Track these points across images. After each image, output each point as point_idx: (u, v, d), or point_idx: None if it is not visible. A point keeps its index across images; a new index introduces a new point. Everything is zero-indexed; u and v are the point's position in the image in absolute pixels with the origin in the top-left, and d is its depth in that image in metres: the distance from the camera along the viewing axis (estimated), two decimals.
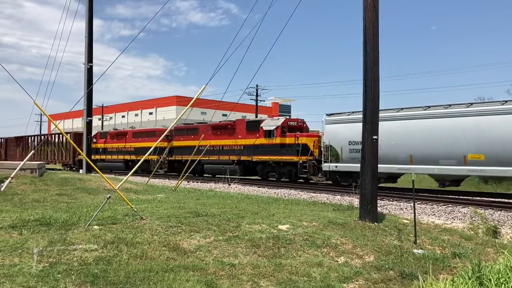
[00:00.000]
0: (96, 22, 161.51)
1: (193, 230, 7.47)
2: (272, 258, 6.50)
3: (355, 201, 12.93)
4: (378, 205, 10.50)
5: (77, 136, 34.27)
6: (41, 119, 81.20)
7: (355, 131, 17.38)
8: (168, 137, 30.07)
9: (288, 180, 23.88)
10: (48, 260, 5.64)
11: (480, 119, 16.65)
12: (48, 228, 7.29)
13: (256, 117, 48.24)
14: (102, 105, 69.67)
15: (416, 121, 18.50)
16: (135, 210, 8.44)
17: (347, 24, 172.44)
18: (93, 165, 9.41)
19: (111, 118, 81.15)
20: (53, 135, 39.47)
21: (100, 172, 9.07)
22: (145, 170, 30.22)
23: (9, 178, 8.37)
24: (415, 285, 5.75)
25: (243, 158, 25.45)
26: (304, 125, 24.84)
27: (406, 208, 14.06)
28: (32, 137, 41.22)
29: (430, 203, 15.22)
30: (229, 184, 22.47)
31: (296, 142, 22.94)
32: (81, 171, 24.10)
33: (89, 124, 23.31)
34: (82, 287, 4.94)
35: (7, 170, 15.88)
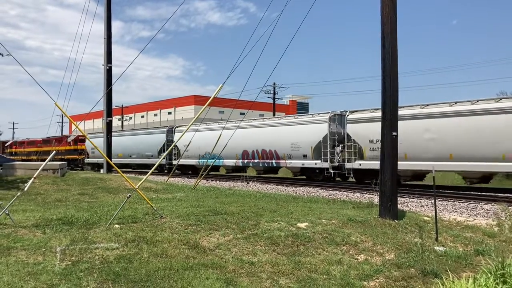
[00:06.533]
0: (116, 24, 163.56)
1: (212, 228, 7.51)
2: (291, 256, 6.48)
3: (375, 198, 12.81)
4: (399, 202, 10.39)
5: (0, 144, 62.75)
6: (62, 120, 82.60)
7: (119, 141, 35.14)
8: (47, 144, 48.18)
9: (79, 167, 41.74)
10: (71, 258, 5.74)
11: (144, 137, 36.43)
12: (70, 227, 7.42)
13: (274, 115, 48.28)
14: (122, 105, 70.29)
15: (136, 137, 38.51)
16: (155, 208, 8.52)
17: (364, 19, 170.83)
18: (113, 165, 9.54)
19: (130, 118, 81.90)
20: None
21: (120, 172, 9.19)
22: None
23: (32, 178, 8.53)
24: (436, 283, 5.67)
25: (67, 157, 43.77)
26: None
27: (427, 205, 13.88)
28: None
29: (452, 200, 14.99)
30: (248, 183, 22.60)
31: (79, 148, 43.87)
32: (102, 170, 24.43)
33: (109, 125, 23.53)
34: (104, 285, 5.01)
35: (30, 170, 16.24)
